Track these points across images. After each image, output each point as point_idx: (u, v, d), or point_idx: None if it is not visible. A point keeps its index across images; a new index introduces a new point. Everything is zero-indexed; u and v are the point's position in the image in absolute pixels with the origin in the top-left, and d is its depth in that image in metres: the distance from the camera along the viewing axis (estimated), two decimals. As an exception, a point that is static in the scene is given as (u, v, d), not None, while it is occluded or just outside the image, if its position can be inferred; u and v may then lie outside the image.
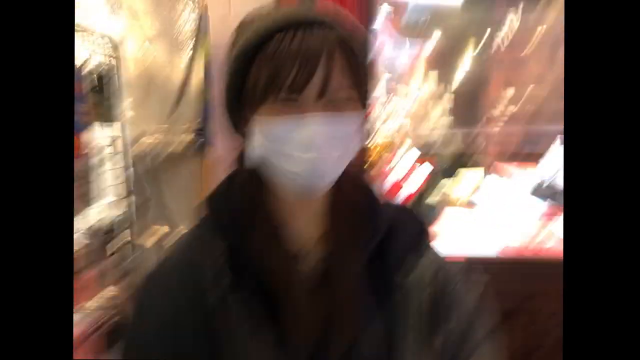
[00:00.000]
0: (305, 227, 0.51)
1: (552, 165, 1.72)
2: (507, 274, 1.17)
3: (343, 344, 0.46)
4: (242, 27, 0.49)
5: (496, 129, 2.57)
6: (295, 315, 0.46)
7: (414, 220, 0.55)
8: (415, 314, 0.50)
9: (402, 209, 0.58)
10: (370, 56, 0.52)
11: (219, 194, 0.54)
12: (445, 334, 0.50)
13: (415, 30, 2.63)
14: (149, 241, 1.53)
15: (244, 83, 0.47)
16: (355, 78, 0.46)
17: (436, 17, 2.62)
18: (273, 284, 0.47)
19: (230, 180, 0.54)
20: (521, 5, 2.50)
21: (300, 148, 0.44)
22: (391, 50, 2.53)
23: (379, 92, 2.36)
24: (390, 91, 2.52)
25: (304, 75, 0.43)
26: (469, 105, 2.67)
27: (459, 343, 0.50)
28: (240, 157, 0.52)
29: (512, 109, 2.54)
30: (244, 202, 0.50)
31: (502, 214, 1.56)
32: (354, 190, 0.53)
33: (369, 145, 1.66)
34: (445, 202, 1.98)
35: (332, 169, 0.47)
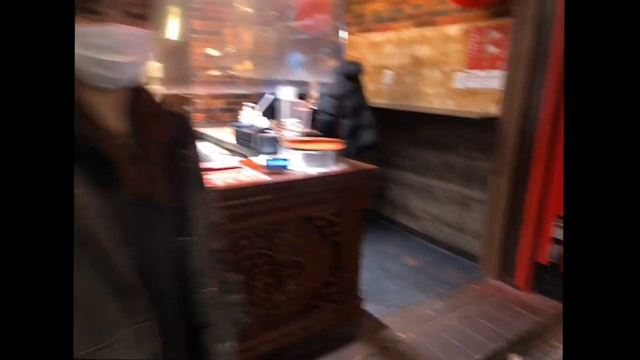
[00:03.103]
0: (113, 115, 0.66)
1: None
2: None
3: (159, 199, 0.67)
4: None
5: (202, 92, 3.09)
6: (124, 173, 0.62)
7: (189, 122, 0.81)
8: (195, 173, 0.77)
9: (181, 114, 0.80)
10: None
11: None
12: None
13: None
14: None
15: None
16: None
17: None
18: (103, 150, 0.61)
19: None
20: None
21: (104, 53, 0.59)
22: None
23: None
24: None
25: None
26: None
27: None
28: None
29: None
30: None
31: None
32: (148, 98, 0.72)
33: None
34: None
35: (129, 68, 0.62)
